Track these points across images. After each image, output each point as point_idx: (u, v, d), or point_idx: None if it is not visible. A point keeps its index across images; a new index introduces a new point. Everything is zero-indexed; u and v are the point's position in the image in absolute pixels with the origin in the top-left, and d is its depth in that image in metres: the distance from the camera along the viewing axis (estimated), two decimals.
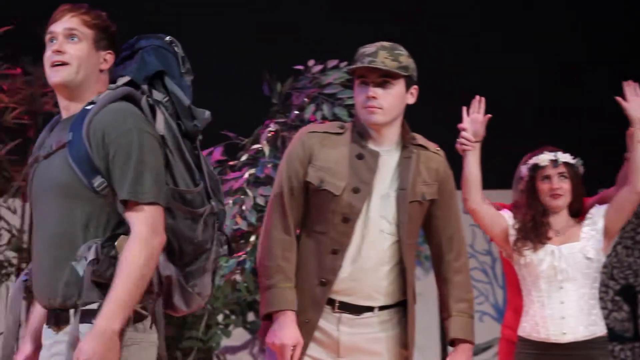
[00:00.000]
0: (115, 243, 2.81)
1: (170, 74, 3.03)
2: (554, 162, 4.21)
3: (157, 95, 2.95)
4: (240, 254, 5.30)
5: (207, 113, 2.99)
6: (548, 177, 4.21)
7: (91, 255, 2.79)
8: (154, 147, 2.83)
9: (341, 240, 3.68)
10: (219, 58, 6.62)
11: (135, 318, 2.84)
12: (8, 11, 6.02)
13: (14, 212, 5.83)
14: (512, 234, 4.24)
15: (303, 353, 3.69)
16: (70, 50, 2.82)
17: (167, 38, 3.03)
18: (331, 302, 3.69)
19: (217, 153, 5.11)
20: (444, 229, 3.78)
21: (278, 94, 5.29)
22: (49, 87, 5.10)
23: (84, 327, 2.80)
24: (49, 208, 2.90)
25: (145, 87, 2.92)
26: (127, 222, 2.83)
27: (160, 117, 2.94)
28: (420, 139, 3.76)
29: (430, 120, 5.01)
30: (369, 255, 3.71)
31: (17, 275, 5.72)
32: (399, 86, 3.67)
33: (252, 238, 5.29)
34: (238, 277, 5.48)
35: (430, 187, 3.70)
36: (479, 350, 6.41)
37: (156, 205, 2.81)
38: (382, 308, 3.71)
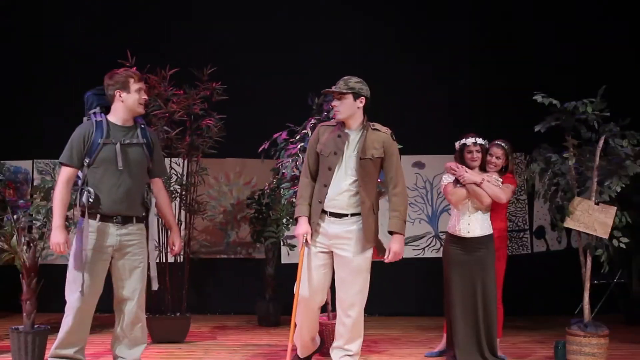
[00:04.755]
0: (150, 192, 5.19)
1: None
2: (474, 143, 6.31)
3: None
4: None
5: None
6: (470, 152, 6.28)
7: (151, 197, 5.24)
8: None
9: (327, 179, 5.32)
10: None
11: None
12: (176, 55, 8.03)
13: (179, 165, 7.73)
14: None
15: (313, 239, 5.38)
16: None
17: None
18: (325, 212, 5.33)
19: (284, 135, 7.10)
20: (387, 172, 5.39)
21: (316, 103, 7.03)
22: (198, 100, 7.43)
23: (141, 226, 5.21)
24: (133, 171, 5.10)
25: None
26: (155, 183, 5.26)
27: None
28: (376, 125, 5.38)
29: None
30: (340, 187, 5.31)
31: (180, 200, 7.69)
32: (348, 99, 5.31)
33: None
34: None
35: (377, 151, 5.29)
36: (417, 237, 8.97)
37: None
38: (352, 215, 5.35)
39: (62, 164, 5.07)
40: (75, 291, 5.03)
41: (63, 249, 4.94)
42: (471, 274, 6.16)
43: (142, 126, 5.24)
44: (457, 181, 6.20)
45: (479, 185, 6.12)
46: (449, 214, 6.38)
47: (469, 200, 6.23)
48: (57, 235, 4.94)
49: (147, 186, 5.28)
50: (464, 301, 6.19)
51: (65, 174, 5.05)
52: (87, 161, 5.06)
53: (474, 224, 6.19)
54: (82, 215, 5.01)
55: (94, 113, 5.17)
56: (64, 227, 4.98)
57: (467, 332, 6.23)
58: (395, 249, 5.19)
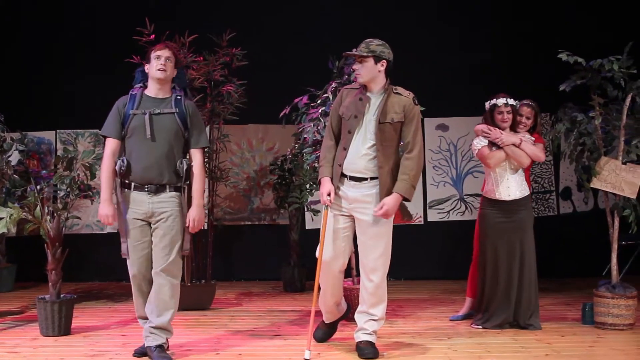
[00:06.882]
0: (185, 160, 5.22)
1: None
2: (505, 104, 6.23)
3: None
4: None
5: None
6: (501, 112, 6.21)
7: (184, 165, 5.24)
8: None
9: (347, 143, 5.24)
10: None
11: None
12: (195, 21, 8.09)
13: None
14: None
15: (334, 203, 5.34)
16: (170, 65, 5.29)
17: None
18: (345, 176, 5.28)
19: (305, 99, 6.99)
20: (405, 136, 5.24)
21: (337, 67, 6.97)
22: (218, 66, 7.42)
23: (175, 194, 5.23)
24: (163, 140, 5.19)
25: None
26: (191, 154, 5.25)
27: None
28: (399, 89, 5.24)
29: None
30: (359, 150, 5.22)
31: None
32: (369, 62, 5.19)
33: None
34: None
35: (398, 115, 5.17)
36: (442, 201, 8.97)
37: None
38: (371, 179, 5.25)
39: (103, 136, 5.29)
40: (124, 257, 5.28)
41: (111, 220, 5.14)
42: (510, 237, 6.11)
43: (178, 97, 5.33)
44: (491, 144, 6.08)
45: (517, 146, 6.04)
46: (474, 177, 6.29)
47: (506, 162, 6.12)
48: (103, 208, 5.14)
49: (182, 155, 5.33)
50: (503, 266, 6.14)
51: (107, 146, 5.26)
52: (123, 133, 5.24)
53: (513, 187, 6.11)
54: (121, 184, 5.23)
55: (134, 87, 5.40)
56: (111, 200, 5.14)
57: (504, 297, 6.17)
58: (388, 205, 5.07)
